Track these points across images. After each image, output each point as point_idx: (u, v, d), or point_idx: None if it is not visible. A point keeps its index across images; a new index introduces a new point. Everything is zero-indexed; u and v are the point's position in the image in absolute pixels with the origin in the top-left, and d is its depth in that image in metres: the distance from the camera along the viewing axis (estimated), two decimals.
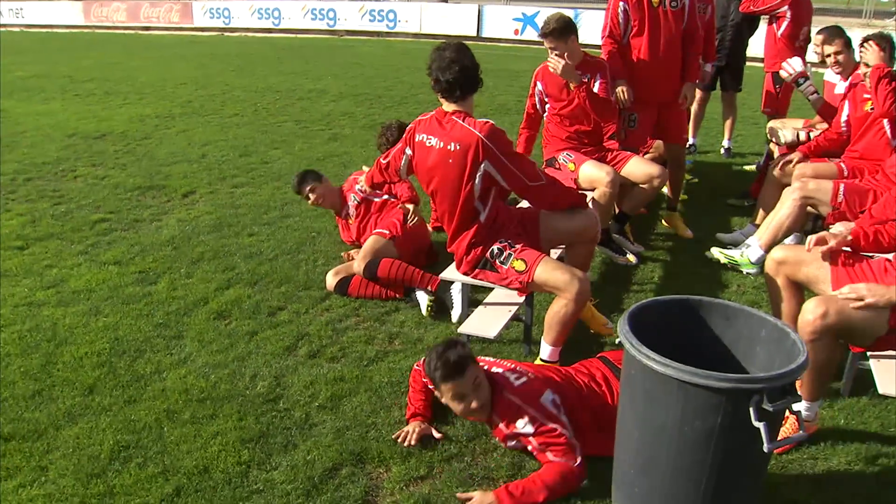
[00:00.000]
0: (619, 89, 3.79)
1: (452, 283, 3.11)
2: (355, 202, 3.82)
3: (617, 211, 3.93)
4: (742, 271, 3.61)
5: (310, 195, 3.80)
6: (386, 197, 3.78)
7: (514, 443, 2.19)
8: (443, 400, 2.22)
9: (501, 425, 2.17)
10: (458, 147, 2.54)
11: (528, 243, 2.66)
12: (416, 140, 2.70)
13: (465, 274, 2.76)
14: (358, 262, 3.40)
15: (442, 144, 2.59)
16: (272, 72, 11.34)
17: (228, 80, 10.49)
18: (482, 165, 2.52)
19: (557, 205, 2.72)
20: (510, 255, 2.60)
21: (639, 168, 3.72)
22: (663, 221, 4.36)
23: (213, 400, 2.54)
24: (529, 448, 2.14)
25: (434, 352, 2.16)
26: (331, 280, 3.42)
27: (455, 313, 3.11)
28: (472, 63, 2.58)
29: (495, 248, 2.64)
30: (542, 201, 2.71)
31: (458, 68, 2.54)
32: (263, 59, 13.01)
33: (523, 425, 2.11)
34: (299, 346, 2.93)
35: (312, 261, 3.82)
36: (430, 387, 2.35)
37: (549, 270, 2.53)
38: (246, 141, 6.68)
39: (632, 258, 3.81)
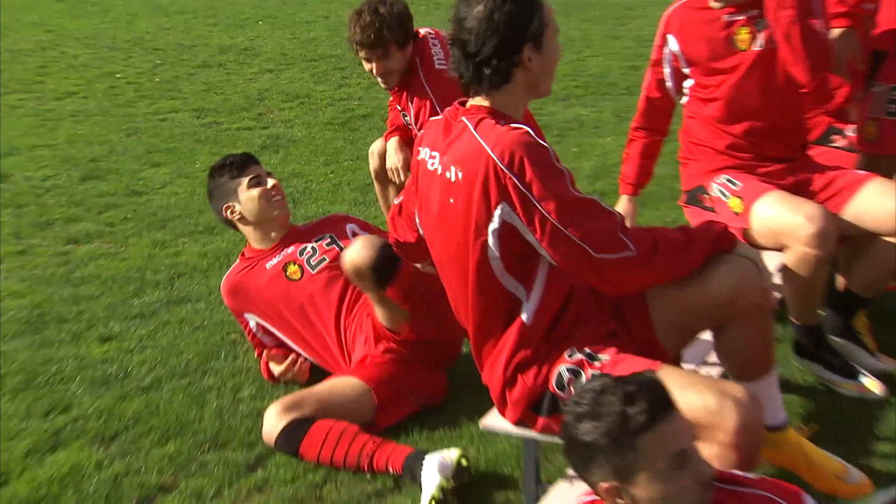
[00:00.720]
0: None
1: (426, 456, 3.24)
2: (327, 244, 4.07)
3: (839, 290, 4.00)
4: None
5: (269, 180, 4.18)
6: None
7: None
8: (645, 491, 2.14)
9: None
10: (459, 175, 2.66)
11: (631, 345, 2.74)
12: (418, 159, 2.88)
13: (517, 424, 2.84)
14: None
15: (441, 169, 2.74)
16: (145, 8, 11.74)
17: (52, 20, 10.83)
18: (496, 213, 2.61)
19: (669, 281, 2.78)
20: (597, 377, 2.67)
21: (885, 203, 3.73)
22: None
23: None
24: None
25: (598, 397, 2.14)
26: (273, 422, 3.50)
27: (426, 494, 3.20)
28: (515, 20, 2.61)
29: (564, 368, 2.72)
30: (627, 287, 2.77)
31: (485, 34, 2.58)
32: None
33: None
34: None
35: (232, 390, 3.92)
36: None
37: (678, 390, 2.53)
38: (95, 149, 6.89)
39: (872, 385, 3.82)
